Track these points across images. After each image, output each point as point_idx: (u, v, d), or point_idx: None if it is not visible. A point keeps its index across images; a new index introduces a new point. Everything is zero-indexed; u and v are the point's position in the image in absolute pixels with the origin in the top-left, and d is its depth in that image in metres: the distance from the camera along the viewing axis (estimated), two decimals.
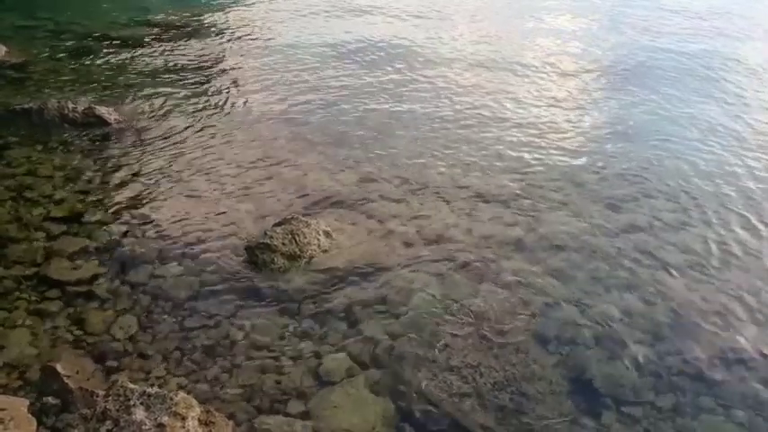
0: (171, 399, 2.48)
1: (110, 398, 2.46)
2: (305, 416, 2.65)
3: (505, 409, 2.72)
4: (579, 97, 6.46)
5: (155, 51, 7.22)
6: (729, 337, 3.20)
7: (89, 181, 4.44)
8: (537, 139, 5.34)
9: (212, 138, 5.16)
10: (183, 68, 6.75)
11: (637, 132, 5.60)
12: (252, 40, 7.93)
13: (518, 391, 2.81)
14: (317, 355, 2.96)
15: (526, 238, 3.93)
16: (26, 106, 5.32)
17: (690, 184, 4.71)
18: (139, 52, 7.16)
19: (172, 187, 4.37)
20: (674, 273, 3.66)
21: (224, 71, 6.78)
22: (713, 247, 3.92)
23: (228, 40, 7.84)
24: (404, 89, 6.37)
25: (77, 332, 3.04)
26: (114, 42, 7.43)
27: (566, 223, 4.11)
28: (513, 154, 5.06)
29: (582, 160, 5.04)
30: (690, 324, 3.28)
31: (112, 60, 6.88)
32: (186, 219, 4.00)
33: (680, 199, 4.49)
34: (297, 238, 3.66)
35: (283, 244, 3.62)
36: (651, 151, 5.22)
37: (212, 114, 5.65)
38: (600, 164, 4.99)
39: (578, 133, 5.55)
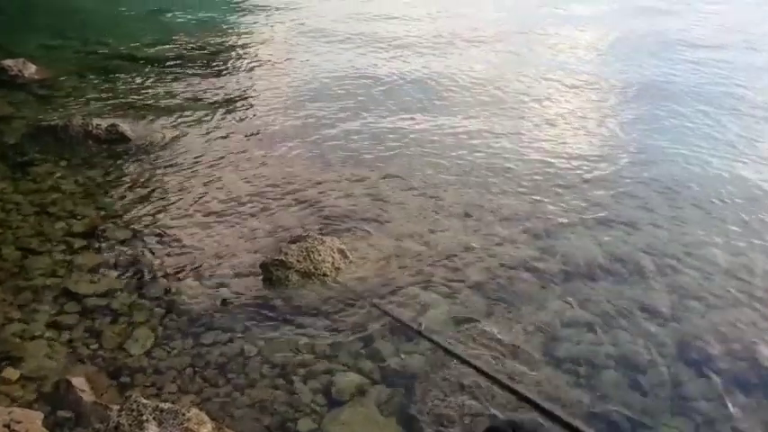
0: (183, 414, 2.48)
1: (123, 412, 2.47)
2: None
3: None
4: (597, 119, 6.44)
5: (177, 71, 7.39)
6: (752, 363, 3.13)
7: (110, 196, 4.53)
8: (554, 161, 5.33)
9: (230, 156, 5.25)
10: (204, 88, 6.89)
11: (656, 155, 5.56)
12: (272, 61, 8.08)
13: (531, 414, 2.76)
14: (329, 373, 2.96)
15: (541, 259, 3.90)
16: (52, 123, 5.47)
17: (712, 207, 4.64)
18: (162, 72, 7.34)
19: (190, 204, 4.44)
20: (692, 297, 3.60)
21: (243, 91, 6.91)
22: (735, 271, 3.85)
23: (249, 62, 8.00)
24: (420, 111, 6.42)
25: (94, 345, 3.08)
26: (138, 62, 7.64)
27: (581, 245, 4.08)
28: (530, 176, 5.05)
29: (599, 182, 5.00)
30: (710, 349, 3.21)
31: (136, 79, 7.06)
32: (203, 235, 4.06)
33: (701, 222, 4.42)
34: (312, 256, 3.68)
35: (298, 261, 3.64)
36: (671, 174, 5.17)
37: (231, 133, 5.75)
38: (617, 186, 4.95)
39: (596, 155, 5.52)
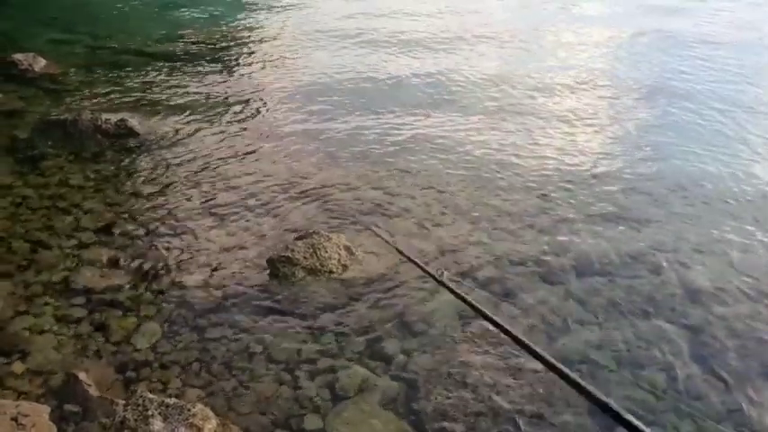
0: (188, 410, 2.50)
1: (129, 407, 2.49)
2: None
3: (522, 430, 2.67)
4: (608, 116, 6.39)
5: (186, 67, 7.41)
6: (764, 361, 3.10)
7: (119, 191, 4.55)
8: (564, 158, 5.29)
9: (239, 152, 5.25)
10: (213, 84, 6.90)
11: (667, 152, 5.50)
12: (281, 57, 8.07)
13: (536, 412, 2.75)
14: (334, 370, 2.96)
15: (547, 258, 3.87)
16: (61, 117, 5.49)
17: (724, 205, 4.59)
18: (172, 67, 7.35)
19: (198, 199, 4.45)
20: (703, 294, 3.57)
21: (252, 87, 6.90)
22: (747, 269, 3.81)
23: (258, 58, 8.00)
24: (428, 108, 6.39)
25: (100, 340, 3.10)
26: (148, 57, 7.65)
27: (591, 241, 4.05)
28: (539, 172, 5.01)
29: (610, 179, 4.96)
30: (720, 347, 3.18)
31: (146, 75, 7.08)
32: (210, 230, 4.06)
33: (713, 220, 4.38)
34: (318, 253, 3.67)
35: (305, 258, 3.64)
36: (683, 171, 5.12)
37: (239, 130, 5.75)
38: (628, 183, 4.90)
39: (607, 153, 5.48)
